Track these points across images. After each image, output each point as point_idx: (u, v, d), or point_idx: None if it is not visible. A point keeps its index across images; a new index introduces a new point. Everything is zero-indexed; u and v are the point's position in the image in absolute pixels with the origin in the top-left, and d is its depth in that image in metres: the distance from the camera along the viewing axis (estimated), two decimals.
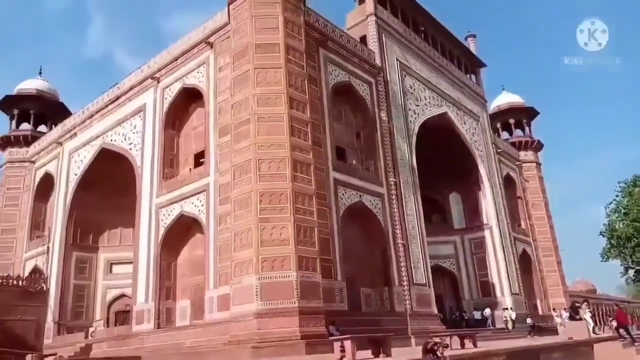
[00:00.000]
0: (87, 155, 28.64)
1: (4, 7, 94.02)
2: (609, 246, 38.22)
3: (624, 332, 18.14)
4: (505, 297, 31.32)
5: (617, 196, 38.46)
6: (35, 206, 32.41)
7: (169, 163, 23.82)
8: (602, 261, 38.81)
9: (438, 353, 8.17)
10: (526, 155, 42.59)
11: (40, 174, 32.74)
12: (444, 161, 32.59)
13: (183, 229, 22.34)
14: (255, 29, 19.46)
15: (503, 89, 46.80)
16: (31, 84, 36.91)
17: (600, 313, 47.19)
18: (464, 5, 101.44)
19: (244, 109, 18.82)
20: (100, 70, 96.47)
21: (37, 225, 32.19)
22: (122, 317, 27.34)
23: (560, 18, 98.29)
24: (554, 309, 31.66)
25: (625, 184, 38.24)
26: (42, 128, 36.65)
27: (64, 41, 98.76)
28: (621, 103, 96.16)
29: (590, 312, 21.79)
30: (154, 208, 23.12)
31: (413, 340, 19.60)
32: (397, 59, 27.89)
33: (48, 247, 29.39)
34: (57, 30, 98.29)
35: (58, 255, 28.38)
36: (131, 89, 26.46)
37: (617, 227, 37.59)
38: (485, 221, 33.53)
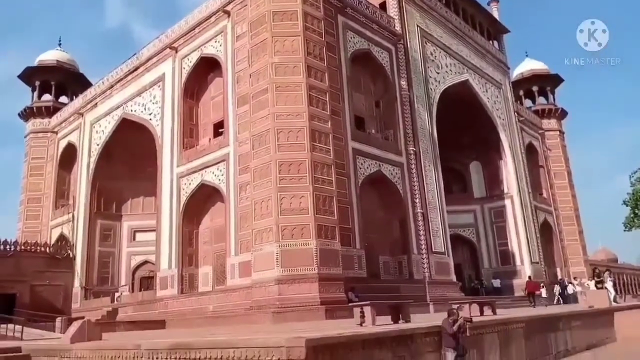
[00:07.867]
0: (108, 126, 29.01)
1: None
2: (632, 215, 37.50)
3: (531, 298, 22.42)
4: (524, 266, 31.22)
5: None
6: (59, 175, 33.21)
7: (189, 133, 24.00)
8: (625, 230, 38.04)
9: (461, 325, 8.22)
10: (549, 123, 41.59)
11: (63, 144, 33.38)
12: (464, 130, 32.15)
13: (204, 198, 22.68)
14: None
15: (527, 56, 45.12)
16: (51, 55, 37.18)
17: (622, 282, 46.80)
18: None
19: (262, 78, 18.73)
20: (118, 41, 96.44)
21: (62, 194, 33.02)
22: (147, 282, 28.18)
23: None
24: (574, 278, 31.54)
25: None
26: (63, 99, 37.02)
27: (81, 14, 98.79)
28: None
29: (612, 280, 21.81)
30: (175, 177, 23.45)
31: (432, 307, 19.81)
32: (417, 26, 27.23)
33: (73, 215, 30.17)
34: (74, 2, 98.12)
35: (83, 223, 29.17)
36: (150, 59, 26.50)
37: None
38: (506, 190, 33.20)
